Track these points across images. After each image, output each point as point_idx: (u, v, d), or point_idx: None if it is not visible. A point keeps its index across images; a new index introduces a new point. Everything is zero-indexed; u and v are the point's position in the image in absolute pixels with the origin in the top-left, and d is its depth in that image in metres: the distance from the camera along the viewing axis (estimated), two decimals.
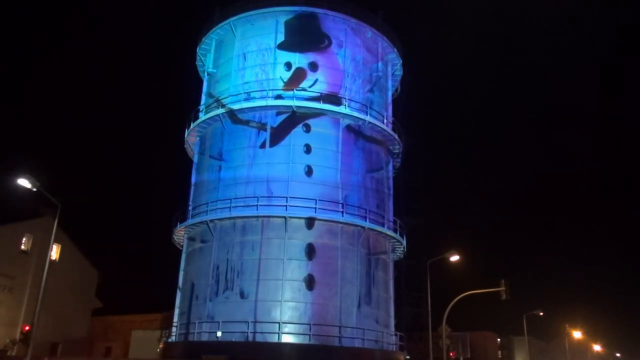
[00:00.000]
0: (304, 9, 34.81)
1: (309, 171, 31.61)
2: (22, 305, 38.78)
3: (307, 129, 32.55)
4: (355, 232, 31.51)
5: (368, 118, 33.91)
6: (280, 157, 31.79)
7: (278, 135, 32.27)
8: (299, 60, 33.94)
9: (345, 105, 33.43)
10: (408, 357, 37.28)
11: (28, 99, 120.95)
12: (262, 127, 32.50)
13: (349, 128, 33.52)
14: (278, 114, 32.57)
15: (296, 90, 33.06)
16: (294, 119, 32.45)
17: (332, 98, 33.28)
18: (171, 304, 34.68)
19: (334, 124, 33.09)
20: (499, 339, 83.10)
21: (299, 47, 34.22)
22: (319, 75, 33.90)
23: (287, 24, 34.70)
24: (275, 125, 32.41)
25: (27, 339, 24.02)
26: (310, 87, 33.44)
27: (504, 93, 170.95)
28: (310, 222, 30.22)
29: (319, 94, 33.20)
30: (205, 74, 38.31)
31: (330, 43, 34.90)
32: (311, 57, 34.21)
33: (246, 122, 32.92)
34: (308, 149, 32.10)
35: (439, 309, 32.45)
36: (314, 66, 34.00)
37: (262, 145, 32.13)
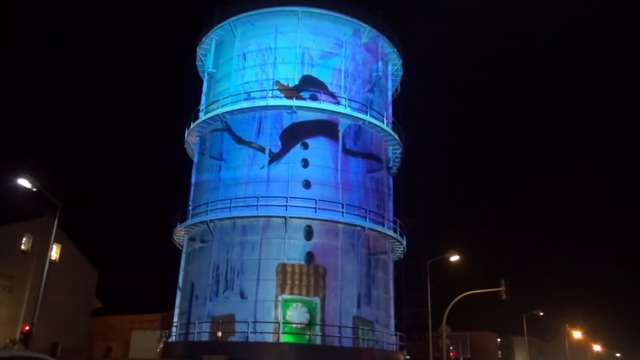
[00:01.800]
0: (303, 9, 34.79)
1: (307, 169, 31.59)
2: (22, 305, 38.79)
3: (306, 130, 32.49)
4: (355, 232, 31.52)
5: (368, 118, 33.91)
6: (280, 159, 31.77)
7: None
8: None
9: (345, 105, 33.43)
10: (408, 357, 37.29)
11: (28, 99, 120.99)
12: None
13: (348, 129, 33.53)
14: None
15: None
16: (293, 129, 32.30)
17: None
18: (171, 304, 34.69)
19: (333, 125, 33.06)
20: (499, 339, 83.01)
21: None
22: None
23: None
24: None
25: (27, 339, 24.01)
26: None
27: (504, 93, 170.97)
28: (309, 233, 30.27)
29: (318, 94, 33.21)
30: (205, 74, 38.31)
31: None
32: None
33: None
34: (306, 148, 32.05)
35: (439, 309, 32.47)
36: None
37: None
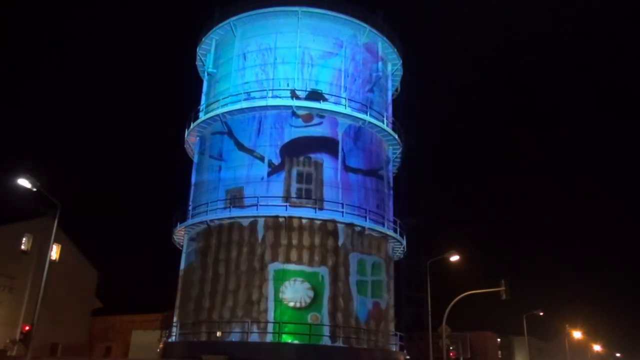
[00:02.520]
0: (303, 9, 34.77)
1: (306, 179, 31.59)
2: (22, 305, 38.75)
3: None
4: (355, 232, 31.49)
5: (368, 118, 33.89)
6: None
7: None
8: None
9: (345, 105, 33.41)
10: (408, 357, 37.26)
11: (28, 99, 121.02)
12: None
13: (349, 129, 33.50)
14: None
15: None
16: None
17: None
18: (171, 304, 34.66)
19: (334, 125, 33.05)
20: (499, 339, 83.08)
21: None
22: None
23: None
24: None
25: (27, 339, 23.98)
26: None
27: (504, 93, 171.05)
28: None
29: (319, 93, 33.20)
30: (205, 74, 38.27)
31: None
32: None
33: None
34: (306, 159, 32.02)
35: (439, 309, 32.48)
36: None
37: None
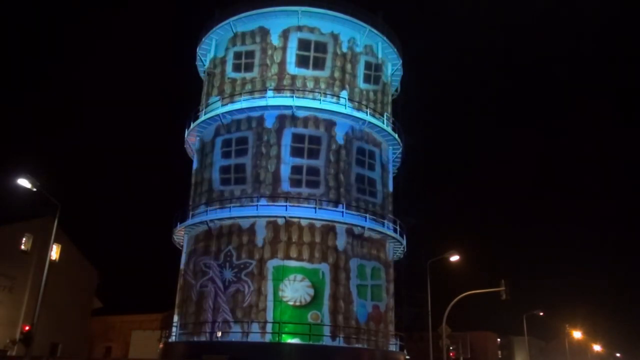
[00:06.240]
0: (303, 9, 34.75)
1: (309, 171, 31.59)
2: (22, 305, 38.78)
3: (306, 128, 32.51)
4: (355, 232, 31.50)
5: (368, 117, 33.90)
6: (280, 158, 31.78)
7: (276, 137, 32.25)
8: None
9: (344, 105, 33.40)
10: (408, 357, 37.27)
11: (28, 100, 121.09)
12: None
13: (351, 129, 33.49)
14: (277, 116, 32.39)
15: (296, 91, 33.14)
16: (293, 120, 32.35)
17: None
18: (171, 304, 34.66)
19: (332, 125, 33.06)
20: (499, 339, 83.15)
21: None
22: None
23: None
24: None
25: (27, 339, 24.01)
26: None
27: (505, 92, 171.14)
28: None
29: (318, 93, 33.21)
30: (205, 74, 38.27)
31: None
32: None
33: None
34: (309, 150, 32.06)
35: (439, 309, 32.50)
36: None
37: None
